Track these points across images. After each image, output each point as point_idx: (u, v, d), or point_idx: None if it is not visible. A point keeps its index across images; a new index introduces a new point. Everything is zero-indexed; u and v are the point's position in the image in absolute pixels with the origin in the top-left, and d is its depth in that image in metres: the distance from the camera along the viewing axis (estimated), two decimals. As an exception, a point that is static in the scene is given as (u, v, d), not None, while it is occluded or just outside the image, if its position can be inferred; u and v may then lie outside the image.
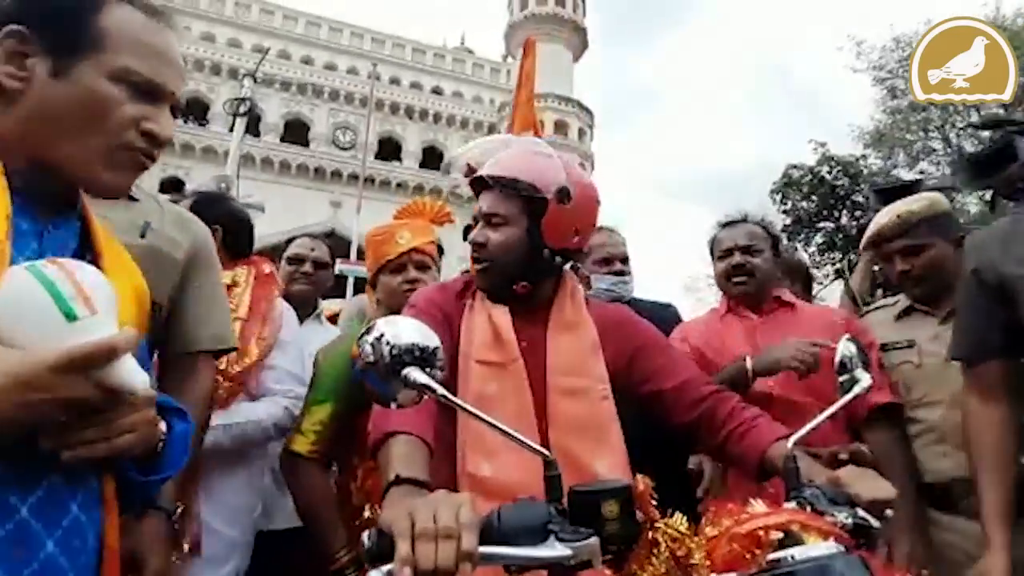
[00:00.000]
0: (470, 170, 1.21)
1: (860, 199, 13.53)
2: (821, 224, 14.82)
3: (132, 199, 1.23)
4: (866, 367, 1.01)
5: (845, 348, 1.01)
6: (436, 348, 0.77)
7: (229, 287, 1.61)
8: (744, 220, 1.85)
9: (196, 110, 28.02)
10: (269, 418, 1.61)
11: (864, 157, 15.25)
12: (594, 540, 0.64)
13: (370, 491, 1.51)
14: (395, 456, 0.84)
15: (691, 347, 1.73)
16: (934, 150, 15.39)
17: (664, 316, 2.07)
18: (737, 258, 1.77)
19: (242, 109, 11.09)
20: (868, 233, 1.73)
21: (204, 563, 1.43)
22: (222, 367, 1.52)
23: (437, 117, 33.06)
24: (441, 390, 0.73)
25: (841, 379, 1.00)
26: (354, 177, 26.66)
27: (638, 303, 2.08)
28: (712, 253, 1.90)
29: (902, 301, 1.73)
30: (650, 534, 0.66)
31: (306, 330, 2.05)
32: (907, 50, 14.11)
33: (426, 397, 0.74)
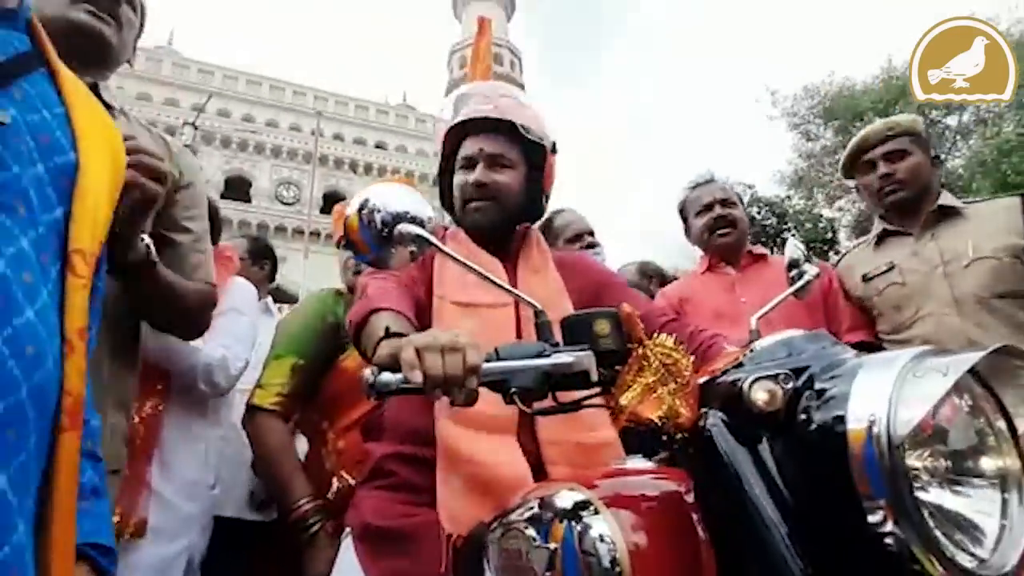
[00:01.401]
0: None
1: (788, 236, 14.47)
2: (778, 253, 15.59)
3: (112, 115, 1.17)
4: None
5: (792, 249, 1.13)
6: (428, 217, 0.80)
7: None
8: (711, 180, 1.94)
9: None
10: (202, 356, 1.47)
11: (788, 198, 16.39)
12: (590, 351, 0.68)
13: (342, 453, 1.48)
14: (382, 321, 0.83)
15: (671, 303, 1.78)
16: (849, 190, 16.75)
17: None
18: (719, 210, 1.85)
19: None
20: (852, 144, 1.78)
21: (154, 536, 1.32)
22: None
23: (382, 171, 33.35)
24: (434, 240, 0.76)
25: (791, 274, 1.10)
26: (299, 232, 26.27)
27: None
28: (686, 214, 1.96)
29: (875, 229, 1.80)
30: (640, 350, 0.69)
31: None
32: (816, 98, 15.58)
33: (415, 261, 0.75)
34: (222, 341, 1.50)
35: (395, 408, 1.09)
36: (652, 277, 2.52)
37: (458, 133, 1.20)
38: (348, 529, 1.02)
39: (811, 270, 1.08)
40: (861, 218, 14.28)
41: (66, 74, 0.67)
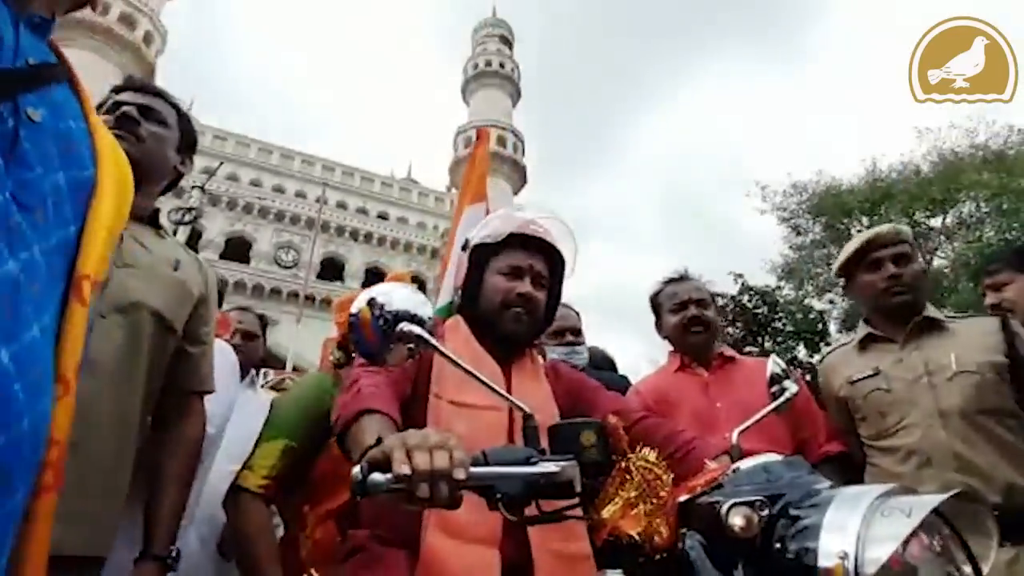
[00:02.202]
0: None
1: (779, 326, 14.61)
2: (748, 348, 15.72)
3: (161, 235, 1.34)
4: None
5: (773, 366, 1.17)
6: (428, 318, 0.84)
7: None
8: (687, 277, 1.99)
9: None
10: None
11: (779, 288, 16.72)
12: (575, 461, 0.70)
13: (317, 543, 1.44)
14: (371, 425, 0.85)
15: (645, 402, 1.78)
16: (837, 282, 17.09)
17: (619, 384, 2.17)
18: (693, 310, 1.88)
19: (187, 218, 11.11)
20: (860, 240, 1.78)
21: None
22: None
23: (381, 240, 34.01)
24: (434, 340, 0.79)
25: (772, 390, 1.14)
26: (294, 295, 26.33)
27: (592, 373, 2.19)
28: (660, 309, 1.99)
29: (858, 333, 1.80)
30: (623, 464, 0.71)
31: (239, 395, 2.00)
32: (804, 195, 16.24)
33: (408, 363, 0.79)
34: None
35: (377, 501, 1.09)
36: (601, 367, 2.54)
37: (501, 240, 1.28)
38: None
39: (792, 387, 1.12)
40: (851, 311, 14.49)
41: (87, 95, 0.66)
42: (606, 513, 0.69)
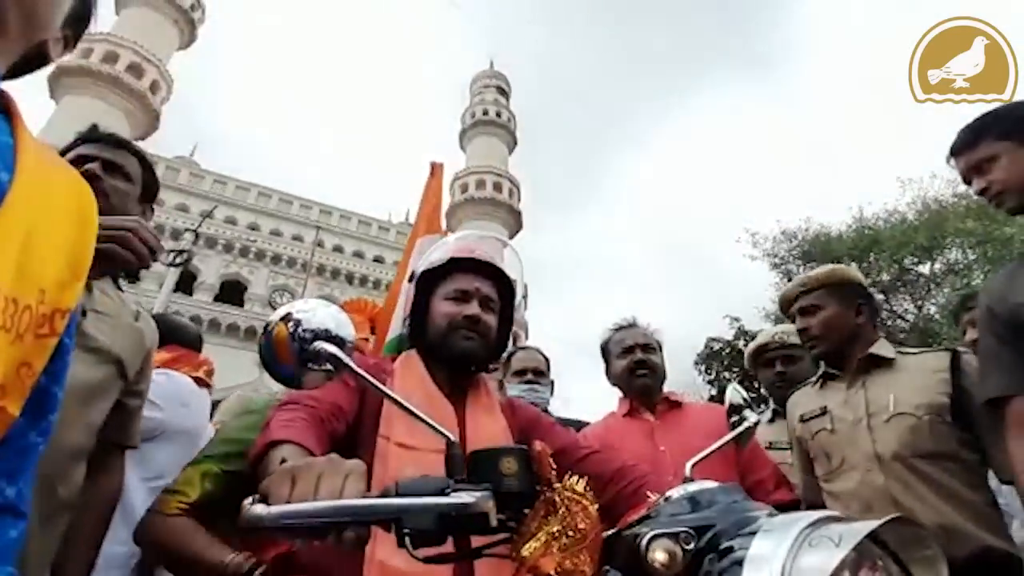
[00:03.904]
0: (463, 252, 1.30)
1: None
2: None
3: (120, 288, 1.37)
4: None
5: (733, 395, 1.12)
6: (350, 340, 0.79)
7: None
8: (635, 324, 2.04)
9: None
10: None
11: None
12: (489, 492, 0.63)
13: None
14: (279, 454, 0.78)
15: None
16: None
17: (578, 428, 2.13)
18: (639, 355, 1.93)
19: (178, 261, 11.11)
20: (780, 296, 1.85)
21: None
22: None
23: (377, 283, 34.02)
24: (350, 362, 0.74)
25: (732, 420, 1.09)
26: (286, 337, 26.06)
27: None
28: (608, 354, 2.04)
29: (820, 371, 1.79)
30: (548, 494, 0.65)
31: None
32: (794, 241, 16.41)
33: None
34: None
35: (312, 548, 1.01)
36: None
37: (445, 266, 1.26)
38: None
39: (752, 417, 1.06)
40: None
41: (19, 114, 0.63)
42: (526, 551, 0.62)
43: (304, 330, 0.76)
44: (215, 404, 2.28)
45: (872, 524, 0.47)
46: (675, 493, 0.65)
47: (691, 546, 0.55)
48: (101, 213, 1.18)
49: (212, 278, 29.88)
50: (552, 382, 2.47)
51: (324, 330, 0.77)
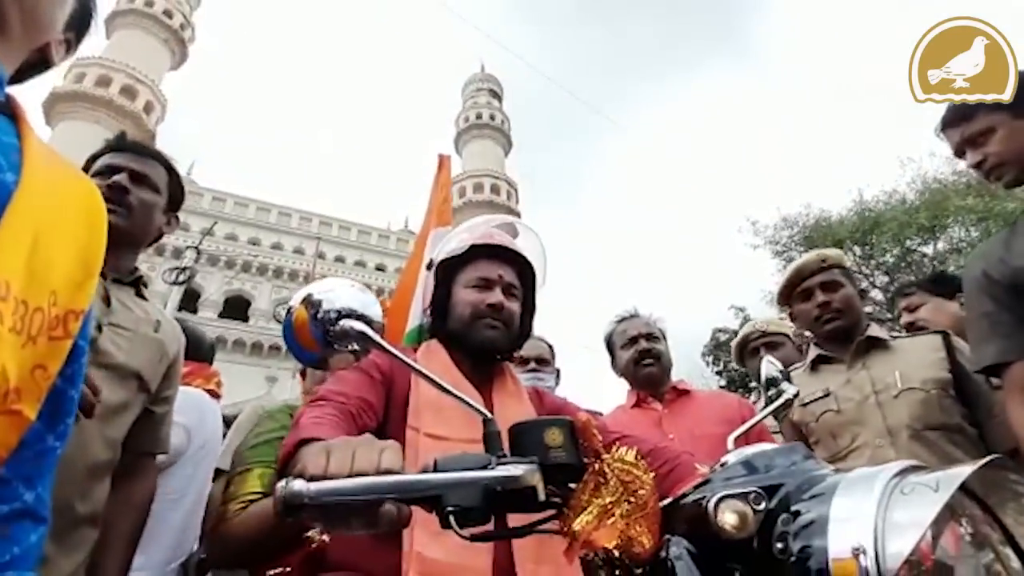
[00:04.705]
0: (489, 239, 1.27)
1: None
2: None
3: (143, 297, 1.35)
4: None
5: (768, 368, 1.08)
6: (377, 319, 0.76)
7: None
8: (637, 314, 2.04)
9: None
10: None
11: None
12: (536, 464, 0.59)
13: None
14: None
15: None
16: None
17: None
18: (643, 344, 1.92)
19: (180, 278, 11.10)
20: (788, 272, 1.84)
21: None
22: None
23: (379, 292, 34.03)
24: (380, 340, 0.71)
25: (768, 393, 1.05)
26: (292, 350, 26.08)
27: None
28: (612, 347, 2.03)
29: (810, 355, 1.81)
30: (598, 466, 0.61)
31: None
32: (795, 228, 16.34)
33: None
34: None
35: (345, 543, 0.98)
36: None
37: (466, 253, 1.23)
38: None
39: (790, 389, 1.02)
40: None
41: (24, 117, 0.62)
42: (578, 524, 0.58)
43: (328, 310, 0.72)
44: (225, 419, 2.26)
45: (972, 466, 0.43)
46: (731, 459, 0.61)
47: (761, 506, 0.51)
48: (126, 228, 1.20)
49: (215, 295, 29.93)
50: (557, 370, 2.44)
51: (350, 309, 0.73)
